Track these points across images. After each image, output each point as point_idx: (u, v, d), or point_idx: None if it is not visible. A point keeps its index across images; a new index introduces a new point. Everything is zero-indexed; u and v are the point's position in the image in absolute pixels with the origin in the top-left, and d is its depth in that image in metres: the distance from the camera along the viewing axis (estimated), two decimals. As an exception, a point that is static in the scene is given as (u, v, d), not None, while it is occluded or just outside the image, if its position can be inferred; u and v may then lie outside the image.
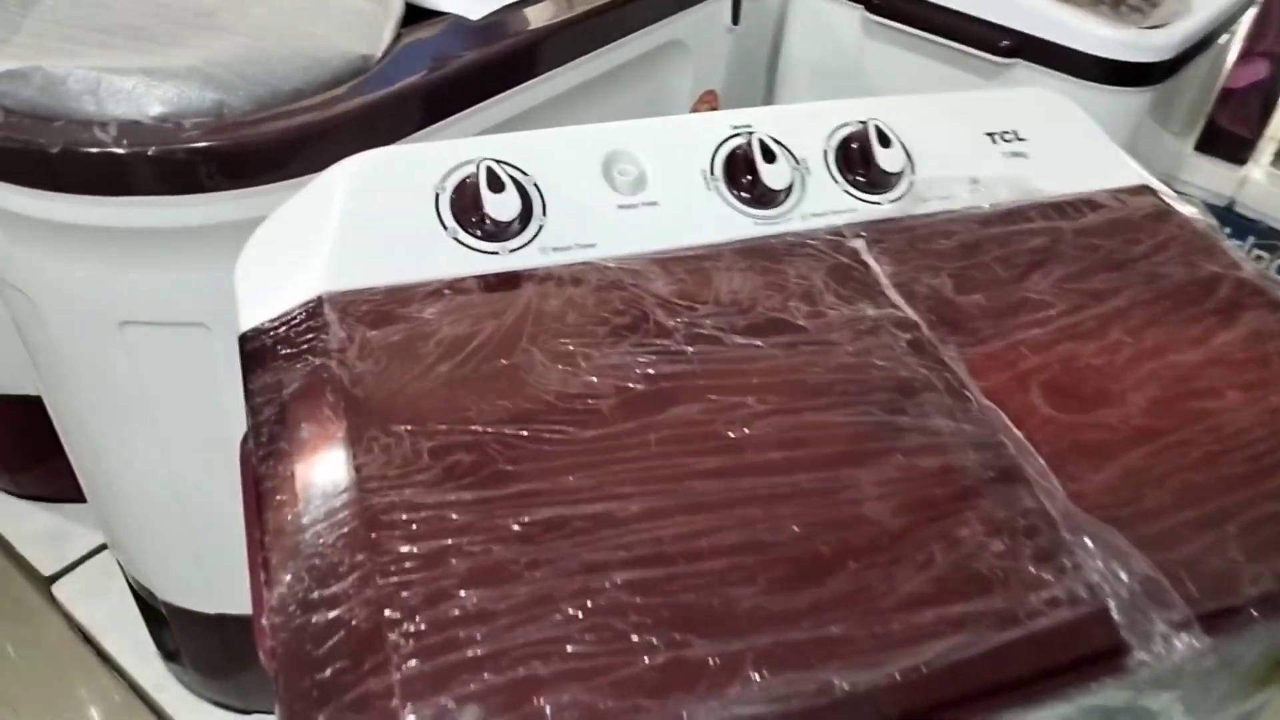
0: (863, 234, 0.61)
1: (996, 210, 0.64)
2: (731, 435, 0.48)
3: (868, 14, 0.99)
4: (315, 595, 0.41)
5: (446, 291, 0.53)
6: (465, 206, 0.55)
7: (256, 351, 0.50)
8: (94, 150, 0.60)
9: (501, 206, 0.54)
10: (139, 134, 0.61)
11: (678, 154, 0.61)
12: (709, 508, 0.45)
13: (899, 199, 0.63)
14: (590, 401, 0.48)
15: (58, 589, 1.17)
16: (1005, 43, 0.91)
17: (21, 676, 1.12)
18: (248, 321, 0.52)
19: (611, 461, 0.46)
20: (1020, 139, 0.68)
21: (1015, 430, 0.50)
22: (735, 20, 1.00)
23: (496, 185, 0.55)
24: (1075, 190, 0.67)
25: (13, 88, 0.62)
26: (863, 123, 0.64)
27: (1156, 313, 0.59)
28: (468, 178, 0.56)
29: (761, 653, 0.40)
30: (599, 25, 0.84)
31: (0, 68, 0.62)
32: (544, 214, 0.57)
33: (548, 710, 0.38)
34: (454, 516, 0.43)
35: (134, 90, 0.62)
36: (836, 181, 0.63)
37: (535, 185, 0.57)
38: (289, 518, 0.43)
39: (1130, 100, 0.89)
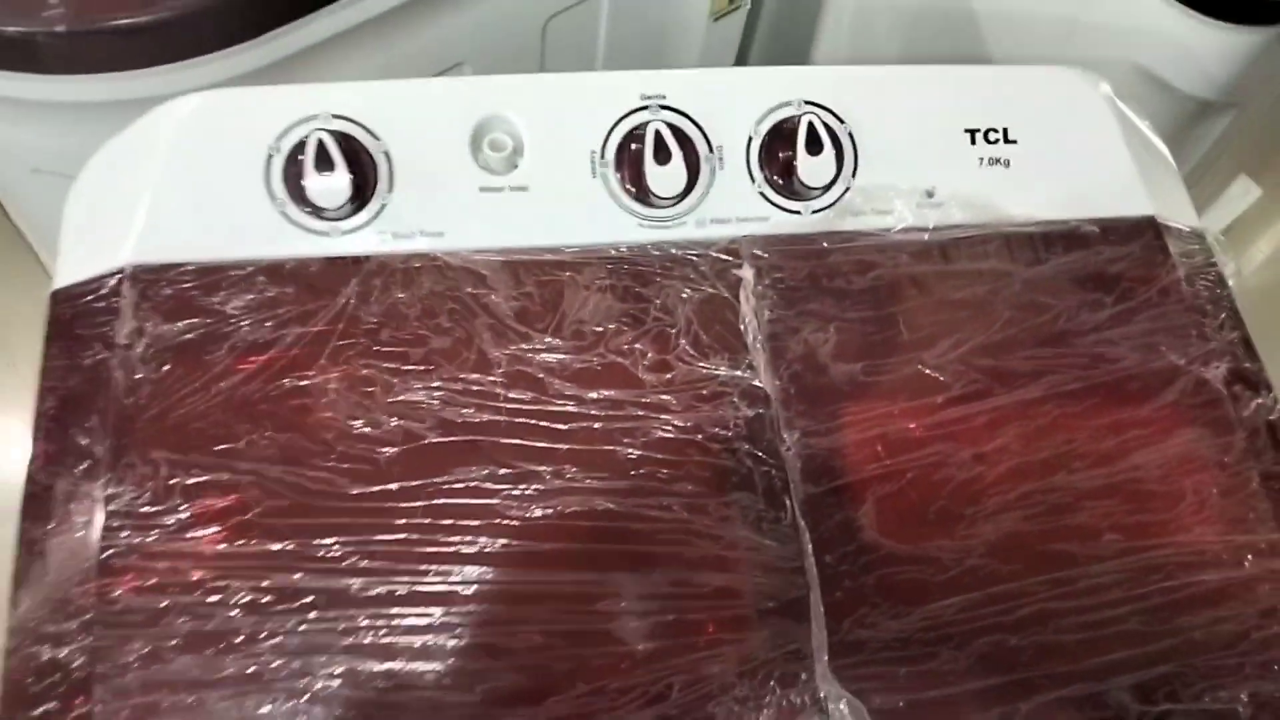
0: (761, 255, 0.53)
1: (938, 239, 0.54)
2: (509, 515, 0.45)
3: None
4: (46, 629, 0.42)
5: (261, 278, 0.49)
6: (299, 174, 0.49)
7: (59, 320, 0.48)
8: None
9: (326, 190, 0.48)
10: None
11: (567, 128, 0.52)
12: (456, 600, 0.44)
13: (823, 210, 0.54)
14: (370, 448, 0.46)
15: None
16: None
17: None
18: (62, 277, 0.49)
19: (371, 528, 0.45)
20: (1009, 141, 0.56)
21: (810, 558, 0.46)
22: None
23: (324, 163, 0.48)
24: (1057, 217, 0.56)
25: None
26: (807, 105, 0.53)
27: (1075, 413, 0.51)
28: (306, 139, 0.49)
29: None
30: None
31: None
32: (390, 190, 0.50)
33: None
34: (190, 571, 0.43)
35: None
36: (753, 180, 0.53)
37: (386, 154, 0.51)
38: (40, 535, 0.44)
39: (1239, 42, 0.70)
